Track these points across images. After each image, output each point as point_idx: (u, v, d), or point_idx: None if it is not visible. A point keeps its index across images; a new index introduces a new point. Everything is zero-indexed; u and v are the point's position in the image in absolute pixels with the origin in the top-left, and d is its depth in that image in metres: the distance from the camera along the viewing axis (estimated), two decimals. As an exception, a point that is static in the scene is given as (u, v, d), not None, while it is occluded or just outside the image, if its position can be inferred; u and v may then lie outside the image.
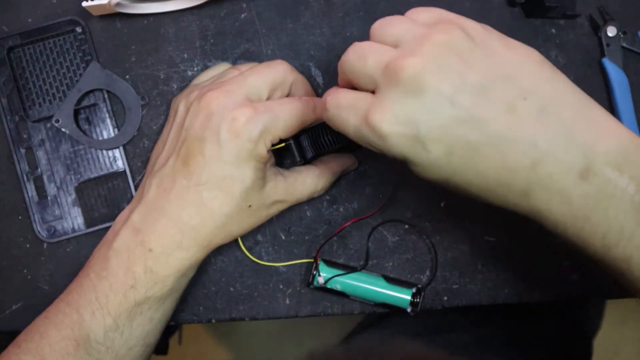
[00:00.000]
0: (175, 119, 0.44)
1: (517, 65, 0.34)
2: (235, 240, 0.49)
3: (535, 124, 0.33)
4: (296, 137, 0.44)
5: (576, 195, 0.33)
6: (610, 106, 0.52)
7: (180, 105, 0.44)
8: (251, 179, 0.42)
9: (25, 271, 0.49)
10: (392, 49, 0.35)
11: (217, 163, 0.41)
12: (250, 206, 0.43)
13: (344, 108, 0.36)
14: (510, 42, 0.35)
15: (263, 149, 0.41)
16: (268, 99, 0.43)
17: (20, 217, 0.49)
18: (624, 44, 0.52)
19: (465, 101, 0.32)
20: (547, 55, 0.52)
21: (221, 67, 0.48)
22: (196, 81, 0.48)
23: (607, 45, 0.52)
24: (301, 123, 0.43)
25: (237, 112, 0.41)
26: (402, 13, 0.51)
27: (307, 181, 0.46)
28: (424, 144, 0.33)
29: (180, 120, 0.44)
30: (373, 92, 0.35)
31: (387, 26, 0.36)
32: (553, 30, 0.52)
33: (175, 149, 0.43)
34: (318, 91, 0.50)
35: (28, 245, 0.49)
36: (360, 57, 0.35)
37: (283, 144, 0.43)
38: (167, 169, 0.43)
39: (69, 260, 0.49)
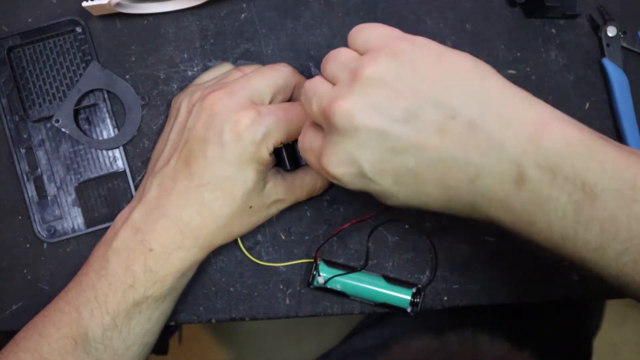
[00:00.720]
0: (177, 118, 0.44)
1: (445, 82, 0.34)
2: (235, 241, 0.49)
3: (466, 141, 0.33)
4: (290, 142, 0.44)
5: (516, 202, 0.33)
6: (610, 106, 0.52)
7: (183, 105, 0.44)
8: (253, 181, 0.42)
9: (25, 271, 0.49)
10: (330, 90, 0.36)
11: (219, 164, 0.41)
12: (251, 207, 0.43)
13: (306, 151, 0.38)
14: (442, 54, 0.35)
15: (265, 152, 0.41)
16: (270, 102, 0.44)
17: (20, 217, 0.49)
18: (624, 44, 0.52)
19: (397, 131, 0.33)
20: (547, 55, 0.52)
21: (224, 68, 0.48)
22: (198, 81, 0.48)
23: (607, 45, 0.52)
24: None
25: (240, 115, 0.41)
26: (401, 13, 0.51)
27: (305, 179, 0.46)
28: (371, 179, 0.35)
29: (183, 120, 0.44)
30: None
31: (327, 62, 0.37)
32: (553, 30, 0.52)
33: (177, 149, 0.43)
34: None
35: (28, 245, 0.49)
36: (307, 100, 0.37)
37: (281, 145, 0.44)
38: (168, 169, 0.43)
39: (69, 260, 0.49)
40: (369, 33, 0.36)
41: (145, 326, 0.43)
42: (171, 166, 0.43)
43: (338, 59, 0.37)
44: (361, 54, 0.36)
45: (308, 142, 0.38)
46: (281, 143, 0.43)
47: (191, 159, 0.42)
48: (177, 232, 0.42)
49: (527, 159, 0.33)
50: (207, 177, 0.41)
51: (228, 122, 0.41)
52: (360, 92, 0.34)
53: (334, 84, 0.36)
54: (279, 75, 0.44)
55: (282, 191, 0.45)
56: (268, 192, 0.44)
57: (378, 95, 0.34)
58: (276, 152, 0.44)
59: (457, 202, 0.35)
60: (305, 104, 0.38)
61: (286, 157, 0.45)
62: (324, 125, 0.36)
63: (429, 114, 0.33)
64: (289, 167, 0.45)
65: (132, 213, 0.43)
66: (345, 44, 0.51)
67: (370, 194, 0.37)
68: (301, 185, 0.46)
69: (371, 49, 0.35)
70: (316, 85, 0.37)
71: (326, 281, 0.48)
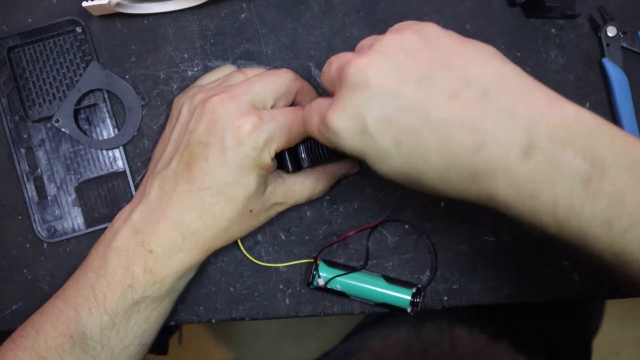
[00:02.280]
0: (178, 119, 0.44)
1: (465, 56, 0.35)
2: (235, 241, 0.49)
3: (476, 108, 0.33)
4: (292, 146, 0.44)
5: (522, 173, 0.32)
6: (610, 106, 0.52)
7: (184, 106, 0.44)
8: (254, 185, 0.42)
9: (25, 271, 0.49)
10: (351, 55, 0.36)
11: (220, 169, 0.41)
12: (251, 211, 0.43)
13: (311, 112, 0.38)
14: (468, 40, 0.36)
15: (267, 158, 0.41)
16: (272, 107, 0.44)
17: (20, 217, 0.49)
18: (624, 44, 0.52)
19: (408, 91, 0.34)
20: (547, 55, 0.52)
21: (226, 70, 0.48)
22: (200, 82, 0.48)
23: (607, 45, 0.52)
24: (304, 133, 0.43)
25: (243, 120, 0.41)
26: (401, 13, 0.51)
27: (305, 184, 0.46)
28: (372, 136, 0.34)
29: (184, 122, 0.44)
30: None
31: (364, 40, 0.39)
32: (553, 30, 0.52)
33: (178, 151, 0.43)
34: (318, 91, 0.51)
35: (28, 245, 0.49)
36: (328, 64, 0.38)
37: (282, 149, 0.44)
38: (169, 172, 0.43)
39: (69, 260, 0.49)
40: (401, 23, 0.38)
41: (143, 326, 0.43)
42: (172, 168, 0.43)
43: (367, 39, 0.38)
44: None
45: (315, 105, 0.38)
46: (283, 148, 0.43)
47: (192, 162, 0.42)
48: (178, 234, 0.42)
49: (539, 130, 0.32)
50: (209, 181, 0.41)
51: (230, 127, 0.41)
52: (378, 52, 0.35)
53: None
54: (281, 80, 0.44)
55: (282, 195, 0.45)
56: (268, 195, 0.44)
57: (395, 58, 0.34)
58: (278, 154, 0.44)
59: (455, 172, 0.34)
60: (324, 71, 0.38)
61: (288, 160, 0.45)
62: (336, 86, 0.36)
63: (442, 79, 0.34)
64: (290, 169, 0.45)
65: (132, 213, 0.43)
66: (345, 44, 0.51)
67: (364, 158, 0.36)
68: (301, 189, 0.46)
69: (398, 27, 0.37)
70: (340, 54, 0.38)
71: (326, 282, 0.48)
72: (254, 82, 0.43)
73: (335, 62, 0.37)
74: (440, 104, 0.33)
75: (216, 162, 0.41)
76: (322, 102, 0.38)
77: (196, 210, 0.42)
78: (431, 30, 0.36)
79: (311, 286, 0.48)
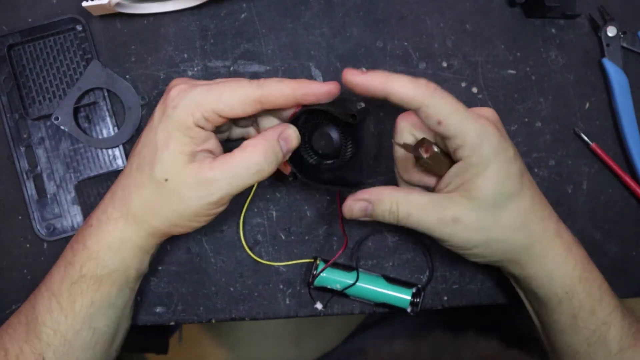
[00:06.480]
0: None
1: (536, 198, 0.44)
2: (237, 239, 0.49)
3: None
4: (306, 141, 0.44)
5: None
6: (610, 106, 0.52)
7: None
8: (169, 148, 0.40)
9: (25, 271, 0.49)
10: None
11: (147, 133, 0.41)
12: (166, 180, 0.40)
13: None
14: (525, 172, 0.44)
15: (188, 120, 0.40)
16: (250, 114, 0.42)
17: (20, 217, 0.49)
18: (624, 44, 0.52)
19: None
20: (547, 55, 0.52)
21: None
22: None
23: (607, 45, 0.52)
24: (245, 99, 0.40)
25: (174, 89, 0.41)
26: (401, 13, 0.51)
27: (236, 153, 0.41)
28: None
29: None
30: None
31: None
32: (553, 30, 0.52)
33: None
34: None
35: (28, 245, 0.49)
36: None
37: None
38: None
39: (69, 260, 0.49)
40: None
41: (90, 310, 0.42)
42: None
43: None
44: None
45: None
46: (218, 113, 0.40)
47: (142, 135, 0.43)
48: (110, 203, 0.42)
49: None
50: (139, 146, 0.42)
51: (163, 98, 0.42)
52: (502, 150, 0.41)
53: None
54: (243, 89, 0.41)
55: (208, 167, 0.40)
56: (192, 170, 0.40)
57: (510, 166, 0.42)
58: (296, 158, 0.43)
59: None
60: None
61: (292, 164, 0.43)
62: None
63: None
64: (293, 170, 0.43)
65: None
66: (345, 43, 0.51)
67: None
68: (232, 158, 0.41)
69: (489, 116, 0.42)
70: None
71: (313, 281, 0.48)
72: (224, 85, 0.41)
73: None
74: None
75: (147, 129, 0.42)
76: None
77: (127, 177, 0.42)
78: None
79: (311, 286, 0.48)
